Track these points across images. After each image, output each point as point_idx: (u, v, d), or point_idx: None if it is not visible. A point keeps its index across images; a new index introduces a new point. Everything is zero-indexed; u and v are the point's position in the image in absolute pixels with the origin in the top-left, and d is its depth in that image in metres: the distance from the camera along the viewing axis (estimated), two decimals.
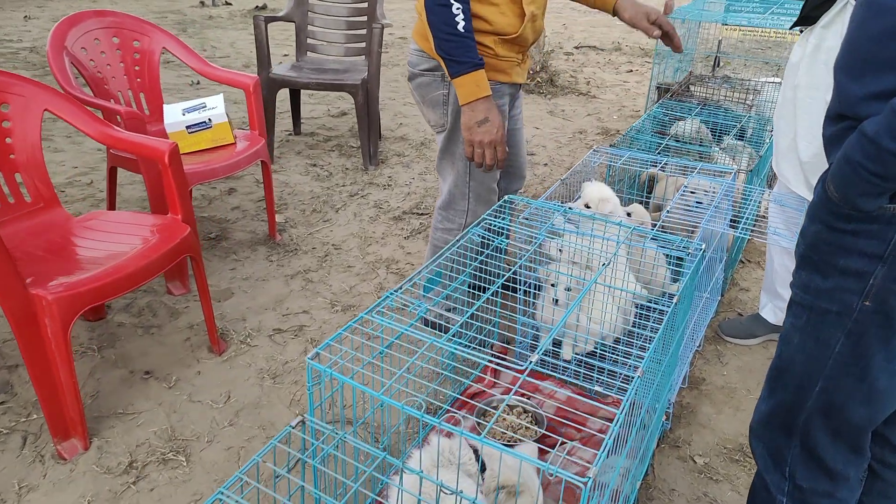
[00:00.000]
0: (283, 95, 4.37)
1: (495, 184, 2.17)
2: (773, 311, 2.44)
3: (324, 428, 1.22)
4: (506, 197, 1.89)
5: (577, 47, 7.38)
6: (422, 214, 3.38)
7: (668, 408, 2.05)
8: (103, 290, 1.78)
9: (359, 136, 3.80)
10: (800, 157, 2.02)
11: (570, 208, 2.01)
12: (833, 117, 1.10)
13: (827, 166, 1.11)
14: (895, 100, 0.93)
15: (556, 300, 2.02)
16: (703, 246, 1.71)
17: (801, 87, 1.95)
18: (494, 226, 1.77)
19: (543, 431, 1.85)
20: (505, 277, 1.63)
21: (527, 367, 1.33)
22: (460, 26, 1.75)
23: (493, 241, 1.71)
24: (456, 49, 1.77)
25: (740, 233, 1.91)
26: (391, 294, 1.46)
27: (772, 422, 1.27)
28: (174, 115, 2.68)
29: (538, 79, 5.59)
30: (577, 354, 2.15)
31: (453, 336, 1.52)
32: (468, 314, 1.46)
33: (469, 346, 1.85)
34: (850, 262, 1.06)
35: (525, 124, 4.04)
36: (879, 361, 1.08)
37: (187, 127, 2.67)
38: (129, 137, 2.10)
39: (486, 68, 1.81)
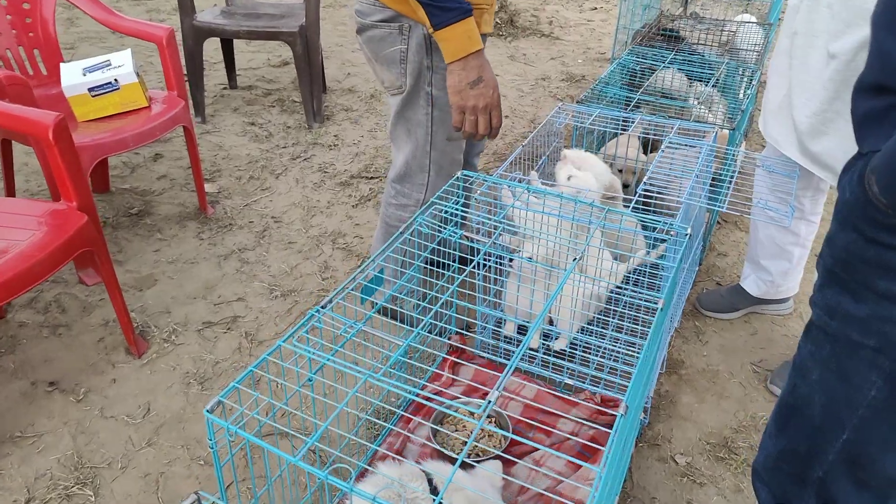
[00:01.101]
0: (216, 45, 3.93)
1: (461, 154, 1.87)
2: (756, 282, 2.23)
3: None
4: (459, 173, 1.61)
5: None
6: (371, 178, 3.06)
7: (647, 402, 1.84)
8: None
9: (300, 91, 3.43)
10: (793, 116, 1.76)
11: (528, 182, 1.74)
12: (870, 89, 0.83)
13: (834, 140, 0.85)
14: None
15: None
16: (689, 230, 1.46)
17: (798, 34, 1.68)
18: (445, 212, 1.49)
19: (510, 436, 1.62)
20: (473, 263, 1.37)
21: (509, 368, 1.08)
22: None
23: (442, 233, 1.43)
24: None
25: (721, 207, 1.66)
26: (316, 312, 1.18)
27: (781, 467, 1.04)
28: (73, 75, 2.29)
29: (497, 19, 5.19)
30: (546, 346, 1.91)
31: (406, 327, 1.26)
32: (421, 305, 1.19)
33: (423, 335, 1.60)
34: (892, 286, 0.81)
35: None
36: None
37: (90, 89, 2.29)
38: (3, 109, 1.73)
39: None
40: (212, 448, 1.01)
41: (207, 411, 0.99)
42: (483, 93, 1.54)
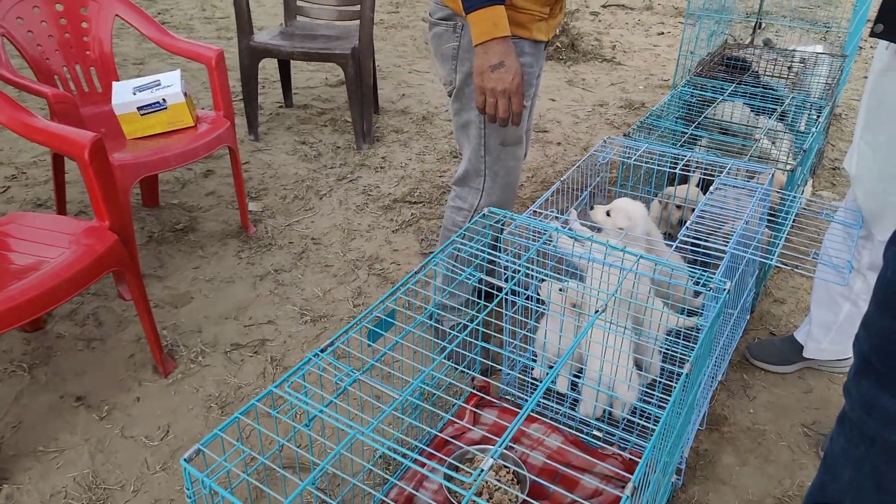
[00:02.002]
0: (275, 63, 4.00)
1: (518, 163, 1.88)
2: (803, 335, 2.06)
3: None
4: (485, 210, 1.54)
5: (604, 6, 6.82)
6: (415, 203, 3.02)
7: (681, 462, 1.70)
8: None
9: (350, 111, 3.44)
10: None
11: (565, 224, 1.65)
12: None
13: None
14: None
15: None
16: (727, 285, 1.34)
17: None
18: (465, 252, 1.42)
19: (524, 497, 1.53)
20: (495, 301, 1.29)
21: (522, 414, 1.01)
22: None
23: (461, 275, 1.36)
24: None
25: (771, 260, 1.53)
26: (314, 356, 1.13)
27: None
28: (124, 93, 2.34)
29: (557, 43, 5.11)
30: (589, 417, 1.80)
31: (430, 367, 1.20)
32: (453, 346, 1.13)
33: (445, 377, 1.53)
34: None
35: (540, 95, 3.65)
36: None
37: (139, 108, 2.34)
38: (43, 126, 1.77)
39: None
40: (190, 500, 0.96)
41: (185, 461, 0.94)
42: (503, 77, 1.59)
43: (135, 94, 2.34)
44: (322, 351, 1.15)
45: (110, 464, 1.74)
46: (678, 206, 2.34)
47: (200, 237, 2.72)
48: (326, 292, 2.42)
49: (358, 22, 3.35)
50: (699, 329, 1.53)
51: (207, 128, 2.43)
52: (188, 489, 0.97)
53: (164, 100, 2.34)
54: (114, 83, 2.37)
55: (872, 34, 1.47)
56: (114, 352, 2.11)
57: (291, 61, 3.87)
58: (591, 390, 1.71)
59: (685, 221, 2.28)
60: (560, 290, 1.72)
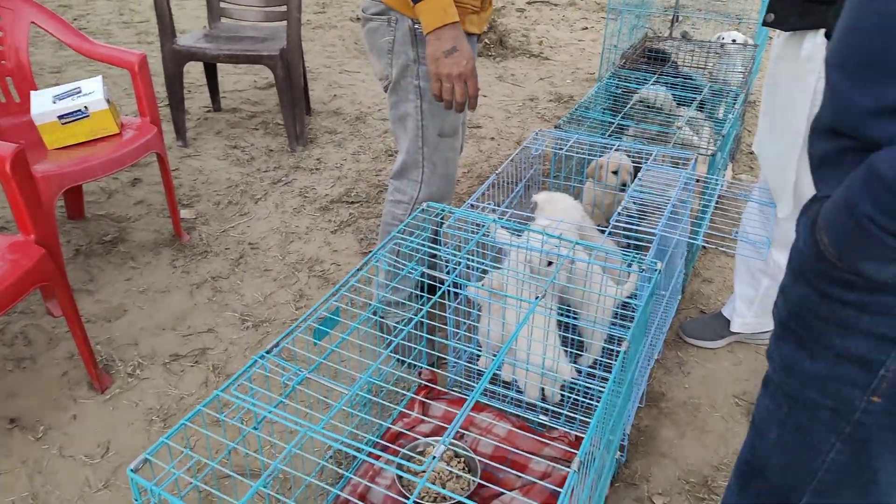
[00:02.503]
0: (201, 67, 3.91)
1: (455, 154, 1.91)
2: (730, 311, 2.17)
3: None
4: (424, 205, 1.56)
5: (529, 2, 6.95)
6: (352, 203, 3.02)
7: (623, 439, 1.77)
8: None
9: (282, 114, 3.39)
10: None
11: (501, 215, 1.68)
12: (825, 131, 0.78)
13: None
14: None
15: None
16: (658, 265, 1.40)
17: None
18: (406, 247, 1.44)
19: (478, 481, 1.56)
20: (438, 294, 1.31)
21: (469, 402, 1.03)
22: None
23: (403, 270, 1.38)
24: None
25: (697, 240, 1.61)
26: (260, 358, 1.13)
27: None
28: (43, 103, 2.25)
29: (486, 40, 5.18)
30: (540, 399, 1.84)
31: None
32: (395, 342, 1.14)
33: (393, 370, 1.54)
34: (851, 344, 0.76)
35: None
36: (891, 474, 0.79)
37: (59, 117, 2.25)
38: None
39: None
40: None
41: (131, 471, 0.93)
42: (457, 61, 1.61)
43: (55, 102, 2.25)
44: (268, 352, 1.15)
45: (50, 485, 1.67)
46: (614, 173, 2.38)
47: (131, 248, 2.64)
48: (267, 297, 2.39)
49: (285, 23, 3.32)
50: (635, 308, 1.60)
51: (133, 135, 2.36)
52: (136, 500, 0.95)
53: (85, 107, 2.26)
54: (32, 92, 2.27)
55: (765, 23, 1.56)
56: (46, 370, 2.03)
57: (218, 64, 3.79)
58: (527, 373, 1.75)
59: (627, 184, 2.33)
60: (485, 283, 1.74)
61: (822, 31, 1.49)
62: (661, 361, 2.16)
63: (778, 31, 1.60)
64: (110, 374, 2.01)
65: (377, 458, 1.64)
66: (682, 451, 1.85)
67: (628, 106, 2.51)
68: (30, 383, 1.98)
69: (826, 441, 0.81)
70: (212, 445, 1.76)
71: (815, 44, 1.51)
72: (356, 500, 1.49)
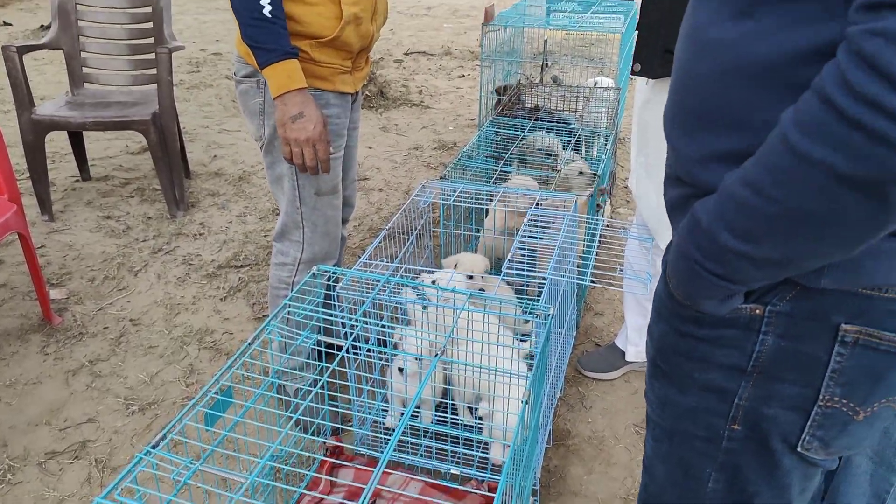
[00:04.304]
0: (64, 135, 3.68)
1: (336, 212, 1.89)
2: (623, 340, 2.26)
3: None
4: (314, 269, 1.52)
5: (406, 53, 7.12)
6: (241, 267, 2.91)
7: (535, 483, 1.78)
8: None
9: (159, 180, 3.25)
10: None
11: (395, 271, 1.67)
12: (672, 178, 0.84)
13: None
14: (728, 176, 0.68)
15: (401, 369, 1.69)
16: (551, 310, 1.44)
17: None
18: (297, 315, 1.39)
19: None
20: (338, 359, 1.26)
21: (376, 474, 0.98)
22: (266, 10, 1.54)
23: (297, 340, 1.33)
24: (262, 35, 1.56)
25: (585, 281, 1.67)
26: (145, 455, 1.04)
27: None
28: None
29: (367, 92, 5.24)
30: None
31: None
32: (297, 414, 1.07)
33: (294, 446, 1.46)
34: (710, 377, 0.81)
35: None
36: (766, 498, 0.83)
37: None
38: None
39: (305, 74, 1.63)
40: None
41: None
42: (305, 126, 1.63)
43: None
44: (154, 447, 1.06)
45: None
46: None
47: None
48: (153, 376, 2.24)
49: (155, 86, 3.20)
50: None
51: None
52: None
53: None
54: None
55: (633, 73, 1.68)
56: None
57: (84, 132, 3.58)
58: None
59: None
60: (399, 369, 1.73)
61: None
62: (564, 398, 2.21)
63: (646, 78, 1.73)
64: None
65: None
66: (591, 487, 1.88)
67: (514, 151, 2.60)
68: None
69: (704, 471, 0.86)
70: None
71: None
72: None
